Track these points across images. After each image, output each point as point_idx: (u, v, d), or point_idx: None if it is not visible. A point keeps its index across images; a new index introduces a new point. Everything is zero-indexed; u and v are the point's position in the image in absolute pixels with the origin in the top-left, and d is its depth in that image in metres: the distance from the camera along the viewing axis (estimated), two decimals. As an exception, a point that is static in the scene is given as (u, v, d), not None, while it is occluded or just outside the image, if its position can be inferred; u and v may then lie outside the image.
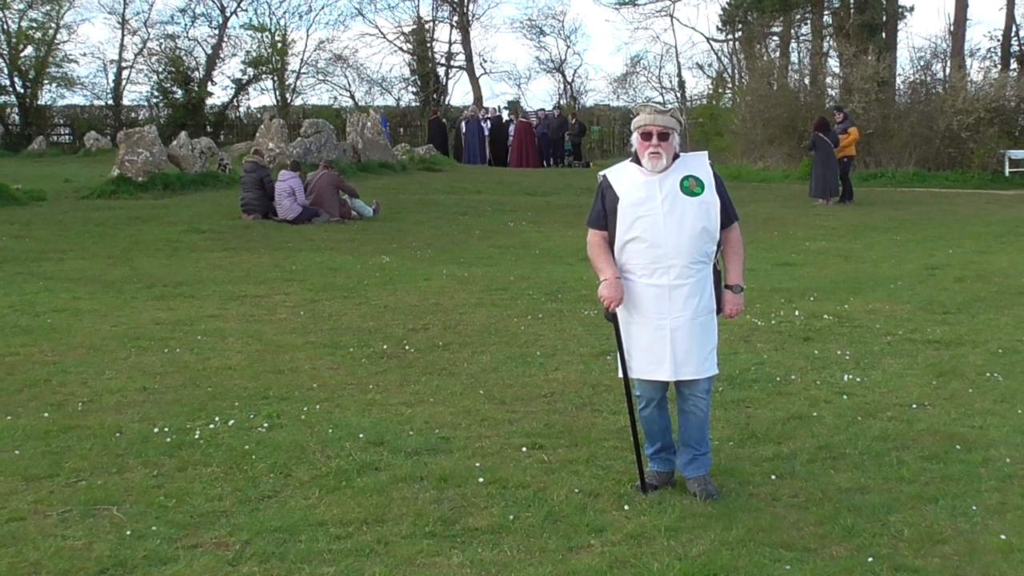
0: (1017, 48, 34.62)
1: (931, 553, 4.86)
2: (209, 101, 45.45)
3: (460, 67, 49.96)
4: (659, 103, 5.67)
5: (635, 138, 5.58)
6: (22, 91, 42.60)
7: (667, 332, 5.44)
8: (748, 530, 5.09)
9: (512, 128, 37.15)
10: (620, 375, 5.71)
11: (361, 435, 6.54)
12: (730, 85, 43.93)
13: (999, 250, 15.40)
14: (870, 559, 4.76)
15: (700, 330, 5.48)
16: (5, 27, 42.15)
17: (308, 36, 62.39)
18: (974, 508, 5.35)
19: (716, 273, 5.64)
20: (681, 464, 5.72)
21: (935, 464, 6.00)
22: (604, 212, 5.59)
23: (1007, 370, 8.13)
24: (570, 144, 37.57)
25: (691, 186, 5.45)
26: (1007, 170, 28.02)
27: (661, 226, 5.39)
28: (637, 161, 5.58)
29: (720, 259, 5.69)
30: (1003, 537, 4.99)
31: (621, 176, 5.59)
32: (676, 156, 5.55)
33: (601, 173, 5.72)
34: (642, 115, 5.55)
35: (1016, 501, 5.46)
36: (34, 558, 4.80)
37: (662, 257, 5.41)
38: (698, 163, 5.60)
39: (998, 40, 34.75)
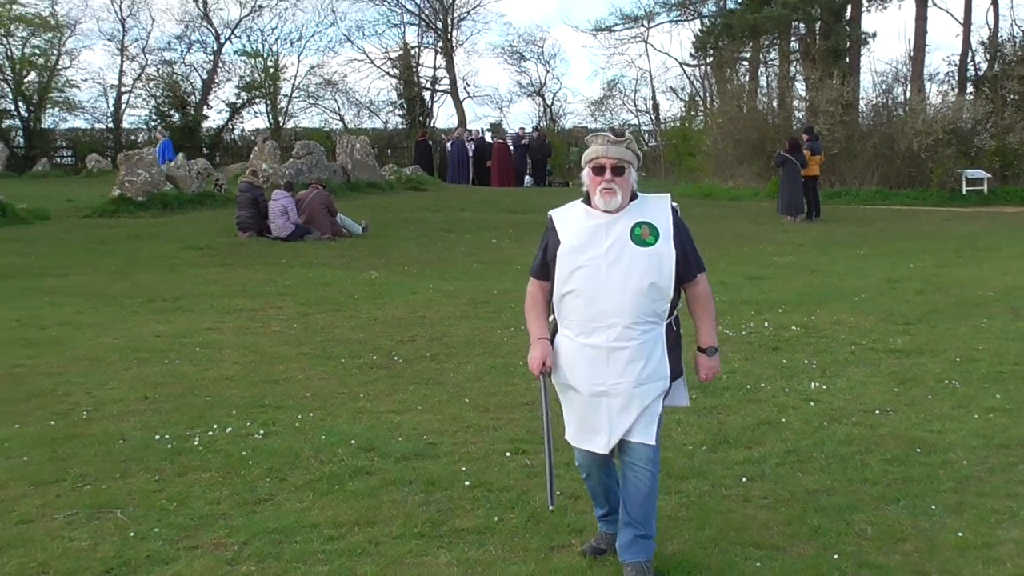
0: (973, 72, 34.91)
1: (893, 550, 5.00)
2: (205, 124, 45.79)
3: (445, 91, 50.11)
4: (612, 134, 4.78)
5: (586, 173, 4.72)
6: (26, 115, 42.84)
7: (603, 400, 4.61)
8: (720, 530, 5.21)
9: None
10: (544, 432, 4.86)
11: (352, 441, 6.67)
12: (702, 108, 44.19)
13: (957, 264, 15.67)
14: (835, 556, 4.90)
15: (640, 400, 4.59)
16: (9, 54, 42.44)
17: (299, 62, 62.68)
18: (933, 508, 5.51)
19: (675, 335, 4.75)
20: (620, 545, 4.76)
21: (897, 466, 6.16)
22: (545, 260, 4.79)
23: (964, 377, 8.34)
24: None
25: (643, 234, 4.58)
26: (964, 188, 28.51)
27: (602, 279, 4.55)
28: (588, 201, 4.76)
29: (675, 319, 4.78)
30: (960, 535, 5.14)
31: (566, 218, 4.76)
32: (634, 196, 4.72)
33: (549, 213, 4.89)
34: (593, 146, 4.70)
35: (972, 500, 5.62)
36: (41, 558, 4.93)
37: (601, 315, 4.56)
38: (657, 207, 4.70)
39: (955, 65, 35.09)
